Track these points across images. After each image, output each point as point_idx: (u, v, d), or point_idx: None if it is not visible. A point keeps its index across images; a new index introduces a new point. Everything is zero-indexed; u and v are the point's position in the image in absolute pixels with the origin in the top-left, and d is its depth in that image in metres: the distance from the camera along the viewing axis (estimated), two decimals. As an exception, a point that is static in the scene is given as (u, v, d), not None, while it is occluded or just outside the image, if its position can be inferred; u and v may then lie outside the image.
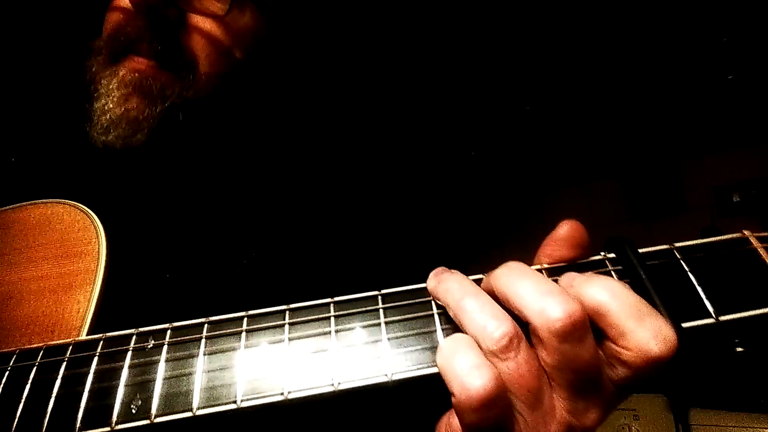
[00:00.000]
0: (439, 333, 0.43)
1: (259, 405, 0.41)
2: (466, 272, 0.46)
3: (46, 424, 0.43)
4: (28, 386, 0.45)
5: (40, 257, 0.57)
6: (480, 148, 3.28)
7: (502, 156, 3.42)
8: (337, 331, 0.44)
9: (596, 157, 3.45)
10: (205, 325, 0.47)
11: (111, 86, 0.66)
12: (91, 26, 0.71)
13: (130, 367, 0.45)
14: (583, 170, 3.53)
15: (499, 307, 0.39)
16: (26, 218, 0.61)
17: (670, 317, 0.39)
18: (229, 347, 0.45)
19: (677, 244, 0.45)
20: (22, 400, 0.44)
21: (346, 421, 0.55)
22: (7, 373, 0.47)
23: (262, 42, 0.73)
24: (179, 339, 0.46)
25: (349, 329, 0.44)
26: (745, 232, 0.47)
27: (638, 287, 0.42)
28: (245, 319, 0.46)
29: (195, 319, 0.49)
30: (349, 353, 0.43)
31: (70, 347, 0.47)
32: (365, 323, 0.45)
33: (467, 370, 0.36)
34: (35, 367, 0.46)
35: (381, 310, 0.45)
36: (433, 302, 0.45)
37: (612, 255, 0.46)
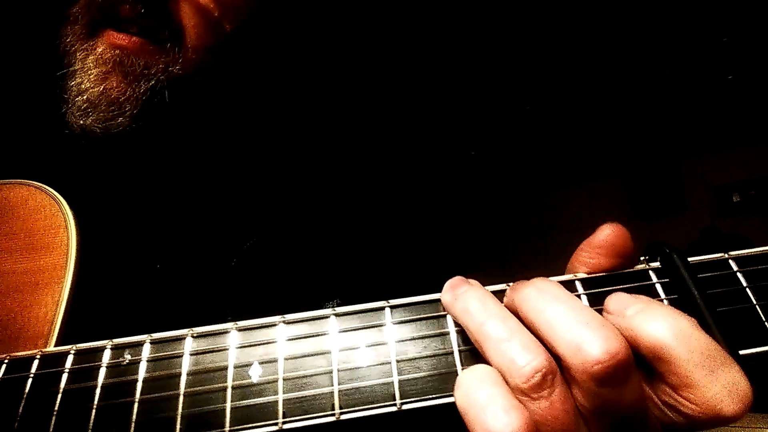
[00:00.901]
0: (456, 355, 0.37)
1: (251, 436, 0.36)
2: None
3: (10, 452, 0.38)
4: (-11, 406, 0.40)
5: (3, 249, 0.50)
6: (480, 148, 3.25)
7: (502, 156, 3.39)
8: (340, 350, 0.39)
9: (596, 157, 3.46)
10: (188, 338, 0.41)
11: (87, 63, 0.58)
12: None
13: (103, 387, 0.39)
14: (583, 170, 3.54)
15: (530, 334, 0.33)
16: (-15, 202, 0.54)
17: (728, 347, 0.33)
18: (217, 366, 0.39)
19: (733, 254, 0.39)
20: (-17, 423, 0.39)
21: None
22: (-34, 389, 0.41)
23: (253, 14, 0.64)
24: (159, 355, 0.40)
25: (352, 348, 0.39)
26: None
27: (688, 305, 0.36)
28: (233, 331, 0.41)
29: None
30: (352, 375, 0.38)
31: (36, 361, 0.42)
32: (371, 342, 0.39)
33: (493, 413, 0.31)
34: (-3, 385, 0.41)
35: (388, 326, 0.39)
36: (449, 318, 0.39)
37: (656, 264, 0.39)
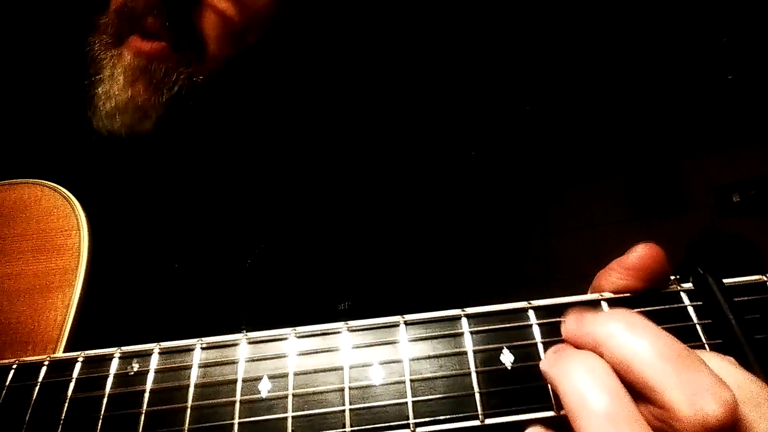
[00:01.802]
0: (474, 377, 0.36)
1: (259, 454, 0.35)
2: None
3: (16, 461, 0.37)
4: (-3, 412, 0.40)
5: (14, 250, 0.50)
6: (480, 148, 3.23)
7: (503, 156, 3.37)
8: (352, 367, 0.37)
9: (596, 157, 3.43)
10: (197, 348, 0.40)
11: (116, 70, 0.59)
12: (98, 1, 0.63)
13: (110, 396, 0.39)
14: (583, 170, 3.51)
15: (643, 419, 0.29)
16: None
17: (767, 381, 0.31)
18: (226, 379, 0.38)
19: (773, 276, 0.37)
20: (-9, 429, 0.39)
21: None
22: (-26, 393, 0.41)
23: (275, 27, 0.64)
24: (167, 365, 0.39)
25: (364, 365, 0.37)
26: None
27: (724, 331, 0.34)
28: (243, 343, 0.39)
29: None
30: (364, 394, 0.36)
31: (44, 367, 0.41)
32: (384, 359, 0.37)
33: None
34: (5, 390, 0.41)
35: (403, 343, 0.38)
36: (466, 337, 0.37)
37: (689, 285, 0.37)
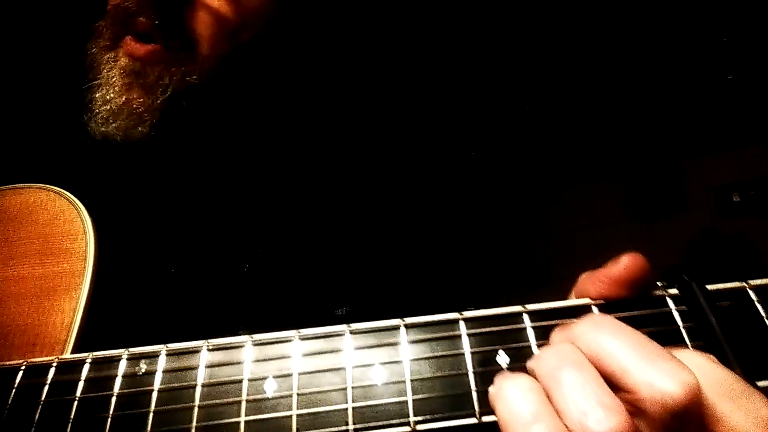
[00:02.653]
0: (471, 377, 0.37)
1: (265, 451, 0.37)
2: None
3: (25, 459, 0.38)
4: (6, 411, 0.41)
5: (21, 253, 0.51)
6: (480, 148, 3.26)
7: (503, 156, 3.39)
8: (354, 367, 0.39)
9: (597, 157, 3.46)
10: (204, 350, 0.41)
11: (112, 75, 0.60)
12: (96, 8, 0.64)
13: (119, 396, 0.40)
14: (583, 170, 3.54)
15: (608, 388, 0.31)
16: (6, 206, 0.54)
17: (746, 378, 0.33)
18: (232, 379, 0.39)
19: (752, 283, 0.39)
20: None
21: None
22: (-17, 393, 0.42)
23: (269, 25, 0.65)
24: (174, 366, 0.41)
25: (366, 365, 0.39)
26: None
27: (706, 334, 0.36)
28: (249, 345, 0.41)
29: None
30: (366, 393, 0.38)
31: (53, 368, 0.42)
32: (385, 360, 0.39)
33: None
34: (14, 390, 0.42)
35: (403, 345, 0.39)
36: (464, 339, 0.39)
37: (674, 291, 0.39)
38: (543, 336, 0.38)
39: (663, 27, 2.59)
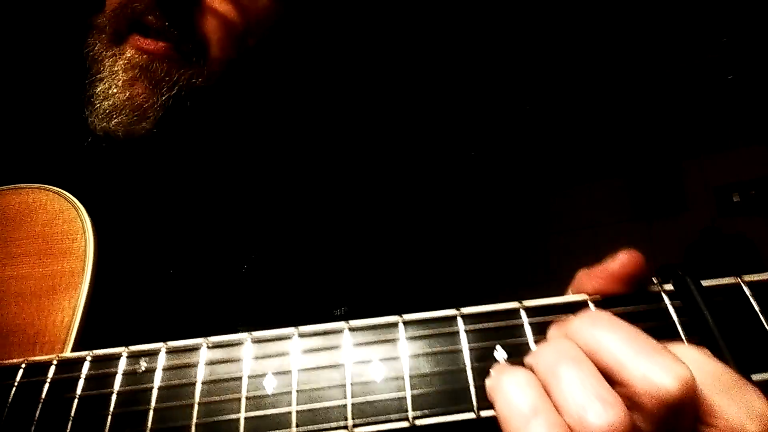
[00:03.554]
0: (469, 373, 0.38)
1: (264, 447, 0.37)
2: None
3: (26, 456, 0.38)
4: (6, 410, 0.41)
5: (21, 253, 0.51)
6: (480, 148, 3.27)
7: (503, 156, 3.40)
8: (353, 363, 0.39)
9: (596, 157, 3.46)
10: (203, 347, 0.41)
11: (116, 68, 0.60)
12: (94, 2, 0.64)
13: (119, 394, 0.40)
14: (583, 170, 3.55)
15: (606, 383, 0.32)
16: (5, 207, 0.55)
17: (740, 372, 0.34)
18: (231, 376, 0.40)
19: (746, 278, 0.39)
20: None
21: None
22: (-17, 392, 0.42)
23: (275, 29, 0.65)
24: (174, 363, 0.41)
25: (365, 362, 0.39)
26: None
27: (701, 329, 0.37)
28: (248, 342, 0.41)
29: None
30: (365, 389, 0.38)
31: (53, 366, 0.42)
32: (384, 356, 0.39)
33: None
34: (14, 388, 0.42)
35: (401, 341, 0.40)
36: (461, 335, 0.39)
37: (669, 286, 0.40)
38: (540, 332, 0.39)
39: (663, 27, 2.59)
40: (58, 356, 0.43)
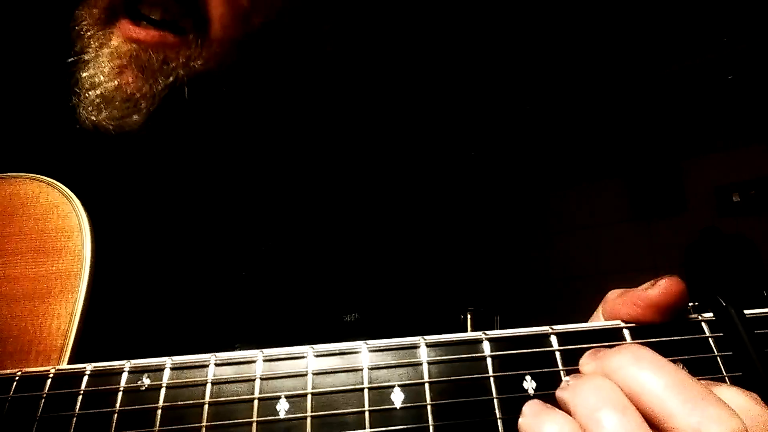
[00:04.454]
0: (496, 403, 0.35)
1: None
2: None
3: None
4: (1, 426, 0.38)
5: (11, 251, 0.48)
6: (480, 148, 3.23)
7: (503, 157, 3.36)
8: (370, 389, 0.37)
9: (596, 157, 3.44)
10: (211, 365, 0.39)
11: (102, 55, 0.54)
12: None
13: (120, 413, 0.37)
14: (583, 170, 3.54)
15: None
16: (-6, 198, 0.51)
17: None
18: (241, 398, 0.37)
19: (792, 309, 0.37)
20: (-6, 444, 0.38)
21: None
22: (-26, 405, 0.39)
23: (281, 12, 0.60)
24: (180, 381, 0.38)
25: (385, 387, 0.37)
26: None
27: (745, 364, 0.35)
28: (260, 360, 0.39)
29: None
30: (384, 418, 0.36)
31: (49, 380, 0.40)
32: (405, 381, 0.37)
33: None
34: (8, 403, 0.39)
35: (424, 365, 0.37)
36: (488, 361, 0.37)
37: (709, 315, 0.37)
38: (571, 360, 0.36)
39: (663, 27, 2.57)
40: (55, 368, 0.40)
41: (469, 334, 0.38)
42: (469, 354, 0.38)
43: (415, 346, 0.38)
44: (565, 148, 3.39)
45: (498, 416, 0.35)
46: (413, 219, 0.72)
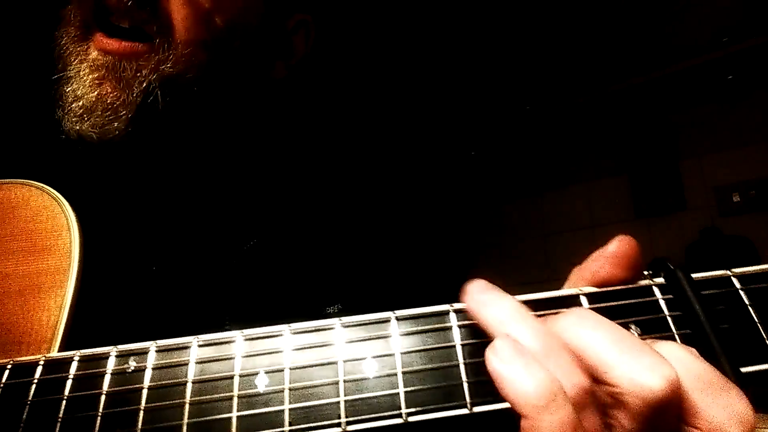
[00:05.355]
0: (462, 368, 0.38)
1: (257, 446, 0.37)
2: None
3: (14, 459, 0.38)
4: (-7, 411, 0.40)
5: (3, 251, 0.50)
6: (480, 147, 3.27)
7: (502, 156, 3.40)
8: (346, 361, 0.39)
9: (595, 156, 3.48)
10: (194, 346, 0.41)
11: (82, 69, 0.58)
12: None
13: (108, 394, 0.39)
14: (583, 169, 3.58)
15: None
16: (-14, 203, 0.53)
17: (730, 365, 0.34)
18: (223, 375, 0.39)
19: (736, 271, 0.40)
20: (-13, 429, 0.39)
21: None
22: (-32, 394, 0.41)
23: (245, 11, 0.63)
24: (164, 362, 0.40)
25: (358, 359, 0.39)
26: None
27: (692, 322, 0.37)
28: (239, 339, 0.41)
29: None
30: (358, 386, 0.38)
31: (40, 367, 0.41)
32: (377, 353, 0.39)
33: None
34: (0, 390, 0.41)
35: (394, 337, 0.39)
36: (454, 331, 0.39)
37: (660, 280, 0.40)
38: (532, 326, 0.39)
39: (663, 26, 2.62)
40: (44, 357, 0.42)
41: (437, 307, 0.41)
42: (437, 325, 0.40)
43: (386, 320, 0.40)
44: (564, 147, 3.41)
45: (464, 380, 0.37)
46: (399, 212, 0.74)
